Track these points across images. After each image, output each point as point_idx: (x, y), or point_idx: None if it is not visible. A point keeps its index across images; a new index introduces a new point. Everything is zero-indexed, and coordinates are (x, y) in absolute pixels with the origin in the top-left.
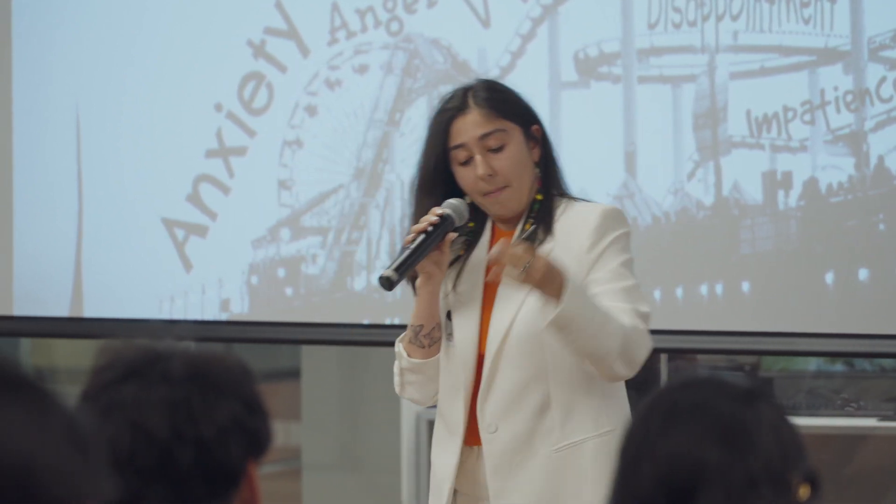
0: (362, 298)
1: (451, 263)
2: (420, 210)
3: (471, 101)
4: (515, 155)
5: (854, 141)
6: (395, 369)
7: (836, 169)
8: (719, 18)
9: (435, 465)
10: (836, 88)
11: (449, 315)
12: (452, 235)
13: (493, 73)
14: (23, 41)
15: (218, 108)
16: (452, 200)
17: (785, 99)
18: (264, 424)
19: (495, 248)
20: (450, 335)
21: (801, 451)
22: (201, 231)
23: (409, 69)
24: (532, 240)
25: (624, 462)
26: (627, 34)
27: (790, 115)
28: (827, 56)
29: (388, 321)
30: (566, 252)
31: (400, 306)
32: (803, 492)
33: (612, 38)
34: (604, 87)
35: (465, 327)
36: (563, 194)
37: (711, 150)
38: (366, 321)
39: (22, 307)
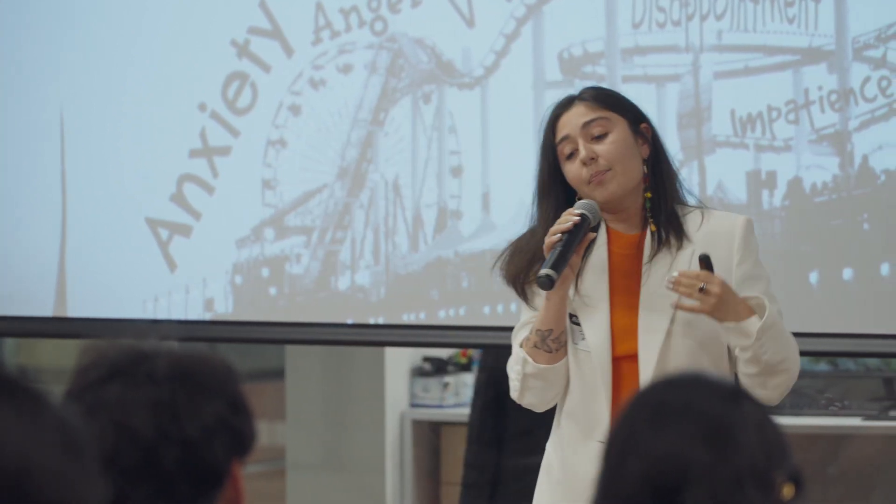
0: (346, 298)
1: None
2: (541, 213)
3: (575, 99)
4: (619, 141)
5: (838, 140)
6: (514, 374)
7: (820, 168)
8: (703, 18)
9: (571, 467)
10: (820, 88)
11: (573, 319)
12: (592, 235)
13: (477, 73)
14: (6, 40)
15: (202, 107)
16: (585, 200)
17: (769, 98)
18: (249, 424)
19: (671, 276)
20: (576, 338)
21: (786, 451)
22: (185, 231)
23: (393, 69)
24: (708, 266)
25: (609, 461)
26: (611, 34)
27: (774, 114)
28: (811, 56)
29: (371, 321)
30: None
31: (384, 306)
32: (788, 491)
33: (596, 38)
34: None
35: (596, 329)
36: (681, 201)
37: (696, 149)
38: (350, 321)
39: (6, 307)
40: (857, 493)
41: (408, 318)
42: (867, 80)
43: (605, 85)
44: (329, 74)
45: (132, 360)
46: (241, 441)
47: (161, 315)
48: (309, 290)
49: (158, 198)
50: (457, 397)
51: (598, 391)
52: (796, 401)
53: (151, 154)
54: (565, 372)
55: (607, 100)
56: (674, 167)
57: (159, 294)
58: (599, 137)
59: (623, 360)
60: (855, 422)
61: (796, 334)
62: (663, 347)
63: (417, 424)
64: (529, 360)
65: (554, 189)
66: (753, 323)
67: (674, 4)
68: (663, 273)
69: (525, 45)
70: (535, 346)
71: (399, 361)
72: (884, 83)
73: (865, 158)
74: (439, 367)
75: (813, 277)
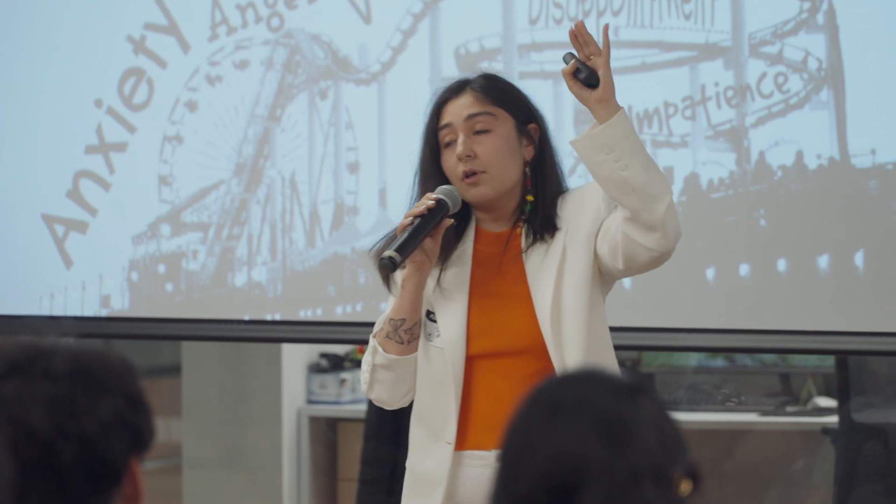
0: (243, 294)
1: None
2: (419, 197)
3: (467, 87)
4: (500, 142)
5: (735, 136)
6: (365, 366)
7: (717, 165)
8: (600, 14)
9: (417, 473)
10: (716, 84)
11: (430, 315)
12: (448, 222)
13: (373, 69)
14: None
15: (98, 103)
16: (446, 186)
17: (666, 94)
18: (147, 421)
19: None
20: (430, 335)
21: (683, 446)
22: (81, 227)
23: (289, 65)
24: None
25: (506, 459)
26: (508, 30)
27: (671, 110)
28: (708, 52)
29: (268, 317)
30: (580, 231)
31: (281, 303)
32: (685, 487)
33: (493, 34)
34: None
35: (451, 326)
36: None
37: None
38: (246, 317)
39: None
40: (753, 488)
41: (305, 315)
42: (763, 76)
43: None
44: (226, 70)
45: (29, 356)
46: (139, 437)
47: (57, 311)
48: (205, 287)
49: (54, 194)
50: (353, 394)
51: (448, 391)
52: (693, 396)
53: (47, 150)
54: (416, 368)
55: (498, 94)
56: (559, 171)
57: (56, 290)
58: (481, 133)
59: (477, 359)
60: (751, 417)
61: (693, 330)
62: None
63: (314, 421)
64: (380, 349)
65: (433, 173)
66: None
67: (570, 1)
68: (538, 266)
69: (422, 40)
70: (388, 336)
71: (296, 358)
72: (780, 79)
73: (762, 154)
74: (336, 364)
75: (710, 273)
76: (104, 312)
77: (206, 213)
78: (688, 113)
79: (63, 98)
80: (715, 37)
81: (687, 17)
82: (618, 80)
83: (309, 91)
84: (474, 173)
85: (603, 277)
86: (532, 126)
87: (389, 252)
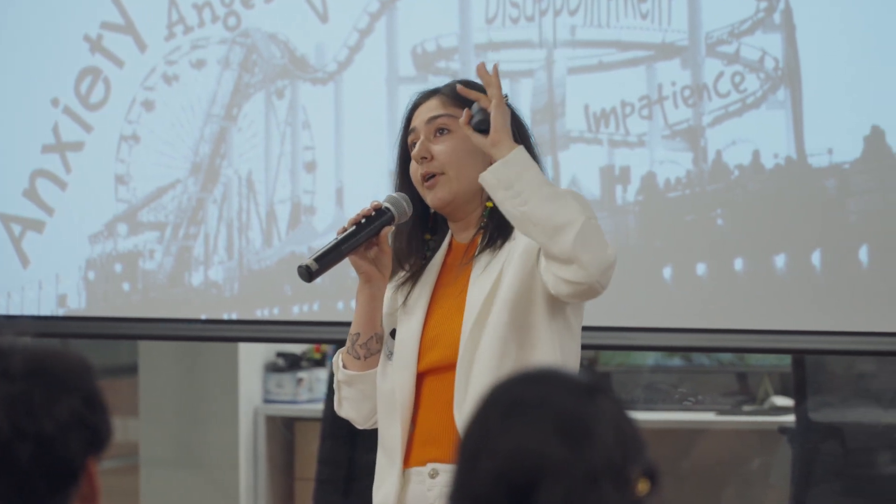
0: (200, 293)
1: (406, 280)
2: None
3: (440, 89)
4: (458, 144)
5: (692, 136)
6: (334, 384)
7: (673, 164)
8: (557, 13)
9: (376, 500)
10: (673, 84)
11: (392, 332)
12: (388, 229)
13: (330, 68)
14: None
15: (54, 102)
16: (394, 194)
17: (623, 94)
18: (105, 420)
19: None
20: (390, 353)
21: (641, 446)
22: (38, 226)
23: (246, 64)
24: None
25: (463, 459)
26: (465, 29)
27: (628, 109)
28: (664, 51)
29: (225, 316)
30: (519, 245)
31: (237, 302)
32: (643, 486)
33: (449, 33)
34: (442, 82)
35: (403, 343)
36: None
37: (549, 144)
38: (203, 316)
39: None
40: (710, 487)
41: (261, 314)
42: (720, 75)
43: (450, 80)
44: (182, 70)
45: None
46: (96, 437)
47: (14, 311)
48: (162, 286)
49: (10, 193)
50: (310, 393)
51: (395, 410)
52: (650, 396)
53: (3, 149)
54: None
55: (464, 99)
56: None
57: (12, 290)
58: (441, 134)
59: (426, 375)
60: (708, 416)
61: (650, 329)
62: (477, 320)
63: (271, 420)
64: (340, 364)
65: (403, 181)
66: (513, 158)
67: (527, 0)
68: (477, 276)
69: (378, 40)
70: (347, 351)
71: (252, 357)
72: (737, 78)
73: (719, 154)
74: (293, 363)
75: (667, 273)
76: (61, 312)
77: (163, 212)
78: (644, 112)
79: (19, 97)
80: (672, 36)
81: (644, 17)
82: (574, 80)
83: (265, 90)
84: (432, 175)
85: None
86: None
87: (307, 261)
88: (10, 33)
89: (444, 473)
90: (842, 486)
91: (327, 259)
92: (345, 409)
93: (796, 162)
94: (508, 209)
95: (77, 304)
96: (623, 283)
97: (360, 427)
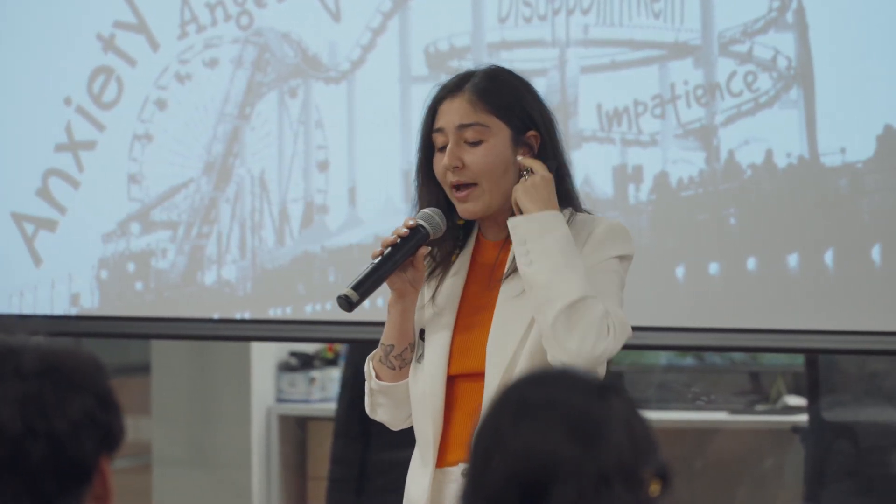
0: (212, 293)
1: (433, 271)
2: (421, 199)
3: (466, 86)
4: (492, 154)
5: (704, 135)
6: (367, 389)
7: (686, 163)
8: (570, 12)
9: (409, 496)
10: (686, 83)
11: (422, 333)
12: (426, 250)
13: (343, 68)
14: None
15: (67, 101)
16: (427, 210)
17: (635, 93)
18: (117, 419)
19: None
20: (420, 356)
21: (653, 446)
22: (51, 225)
23: (259, 63)
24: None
25: (476, 458)
26: (478, 28)
27: (641, 109)
28: (677, 50)
29: (238, 315)
30: None
31: (250, 301)
32: (655, 487)
33: (462, 33)
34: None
35: (435, 346)
36: (568, 207)
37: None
38: (216, 316)
39: None
40: (723, 486)
41: (274, 313)
42: (733, 74)
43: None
44: (195, 69)
45: None
46: (109, 436)
47: (27, 310)
48: (175, 285)
49: (23, 192)
50: (323, 392)
51: (427, 412)
52: (663, 395)
53: (16, 148)
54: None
55: (495, 100)
56: (567, 178)
57: (25, 289)
58: (472, 144)
59: (458, 379)
60: (721, 416)
61: (663, 329)
62: (508, 368)
63: (284, 419)
64: (373, 374)
65: (427, 179)
66: (543, 216)
67: None
68: (518, 289)
69: (391, 39)
70: (380, 361)
71: (265, 356)
72: (749, 78)
73: (731, 153)
74: (306, 362)
75: (679, 272)
76: (74, 311)
77: (176, 211)
78: (657, 111)
79: (32, 96)
80: (684, 35)
81: (656, 16)
82: (587, 79)
83: (278, 89)
84: (465, 186)
85: None
86: (531, 134)
87: (346, 291)
88: (23, 32)
89: None
90: (855, 486)
91: (366, 286)
92: (379, 415)
93: (809, 161)
94: (518, 263)
95: (90, 304)
96: (635, 282)
97: (394, 429)
